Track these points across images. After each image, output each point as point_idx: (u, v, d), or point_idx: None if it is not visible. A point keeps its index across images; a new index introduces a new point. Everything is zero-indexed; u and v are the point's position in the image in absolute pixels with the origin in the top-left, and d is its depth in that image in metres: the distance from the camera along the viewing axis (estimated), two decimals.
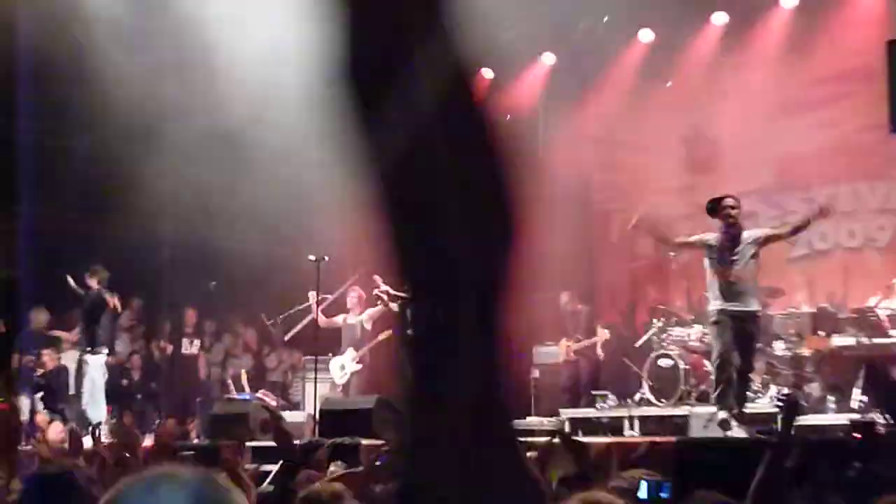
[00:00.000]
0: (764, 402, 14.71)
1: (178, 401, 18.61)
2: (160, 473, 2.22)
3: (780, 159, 18.79)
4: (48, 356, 17.53)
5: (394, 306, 14.78)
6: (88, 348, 17.18)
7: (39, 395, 17.26)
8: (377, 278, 14.98)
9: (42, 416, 17.08)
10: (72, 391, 17.40)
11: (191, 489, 2.15)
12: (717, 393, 12.83)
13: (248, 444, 13.61)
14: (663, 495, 6.09)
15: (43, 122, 16.55)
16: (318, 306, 16.72)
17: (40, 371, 17.46)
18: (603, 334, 17.64)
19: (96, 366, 17.27)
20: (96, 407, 17.09)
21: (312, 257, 16.03)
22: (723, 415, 12.63)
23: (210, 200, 16.60)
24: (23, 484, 4.44)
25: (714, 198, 13.30)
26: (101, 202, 17.89)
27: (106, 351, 17.39)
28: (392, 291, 14.73)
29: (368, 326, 17.08)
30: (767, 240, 13.22)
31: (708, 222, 13.50)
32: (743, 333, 12.81)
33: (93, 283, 16.96)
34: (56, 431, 16.33)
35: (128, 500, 2.14)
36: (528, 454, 6.19)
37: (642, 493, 6.12)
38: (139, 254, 17.84)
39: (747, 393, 13.31)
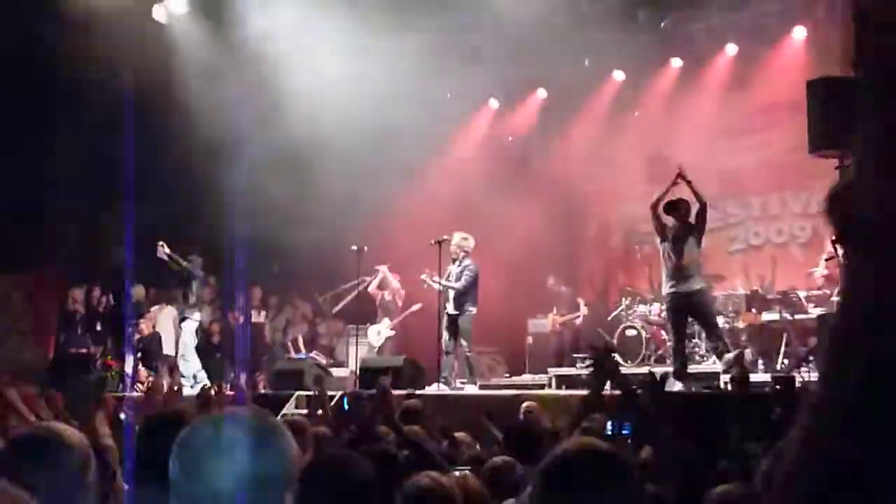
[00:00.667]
0: (707, 365, 14.81)
1: (248, 360, 18.70)
2: (225, 413, 2.32)
3: (722, 173, 18.80)
4: (144, 324, 17.65)
5: (435, 286, 14.81)
6: (183, 316, 17.44)
7: (139, 355, 17.39)
8: (428, 271, 15.04)
9: (143, 372, 17.24)
10: (165, 352, 17.55)
11: (249, 425, 2.20)
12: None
13: (301, 392, 13.77)
14: (625, 432, 6.18)
15: (143, 142, 16.69)
16: (367, 284, 16.88)
17: (138, 336, 17.59)
18: (583, 310, 17.79)
19: (189, 331, 17.50)
20: (186, 364, 17.30)
21: (354, 247, 16.13)
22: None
23: (275, 203, 16.68)
24: (143, 422, 4.44)
25: (671, 200, 13.39)
26: (188, 205, 18.02)
27: (197, 317, 17.60)
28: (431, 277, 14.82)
29: (400, 302, 17.24)
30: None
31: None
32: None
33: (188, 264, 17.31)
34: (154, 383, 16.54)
35: (200, 433, 2.20)
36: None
37: (608, 431, 6.22)
38: (217, 243, 17.93)
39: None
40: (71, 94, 17.14)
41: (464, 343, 14.43)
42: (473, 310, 14.50)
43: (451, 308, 14.59)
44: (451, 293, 14.55)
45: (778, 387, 8.80)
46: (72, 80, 16.90)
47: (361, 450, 4.79)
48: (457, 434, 7.84)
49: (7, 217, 16.90)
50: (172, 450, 2.21)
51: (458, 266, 14.60)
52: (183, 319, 17.52)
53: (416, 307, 16.97)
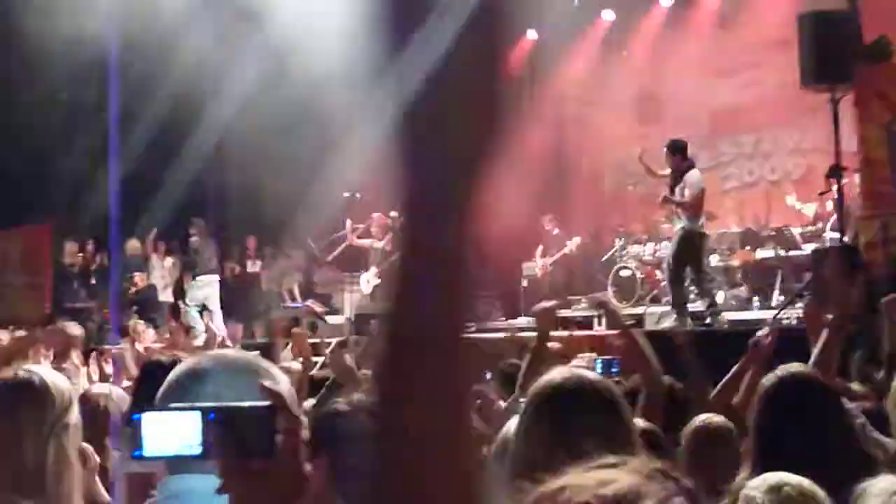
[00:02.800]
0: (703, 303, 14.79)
1: (245, 308, 18.70)
2: (212, 355, 2.34)
3: (713, 112, 18.76)
4: (139, 277, 17.61)
5: None
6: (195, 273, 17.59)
7: (134, 308, 17.35)
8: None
9: (141, 325, 17.23)
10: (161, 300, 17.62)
11: (236, 365, 2.20)
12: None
13: None
14: (614, 370, 6.14)
15: (129, 93, 16.53)
16: (352, 232, 16.79)
17: (134, 289, 17.55)
18: (574, 242, 17.54)
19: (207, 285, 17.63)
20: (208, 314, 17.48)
21: (347, 194, 16.01)
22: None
23: (267, 154, 16.57)
24: (143, 368, 4.48)
25: (680, 140, 13.32)
26: (177, 156, 17.92)
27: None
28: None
29: (388, 248, 17.17)
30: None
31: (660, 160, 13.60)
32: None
33: (193, 231, 17.36)
34: (150, 334, 16.54)
35: (190, 375, 2.19)
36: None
37: (597, 369, 6.17)
38: (212, 195, 17.90)
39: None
40: (54, 46, 16.93)
41: None
42: None
43: None
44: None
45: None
46: (55, 32, 16.70)
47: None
48: None
49: (2, 171, 16.81)
50: (162, 388, 2.22)
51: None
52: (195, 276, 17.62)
53: None
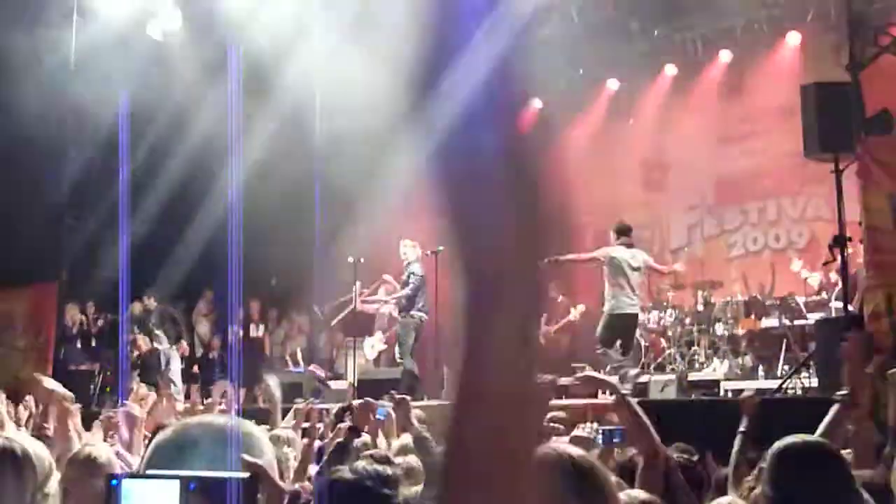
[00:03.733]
0: (707, 372, 14.75)
1: (248, 373, 18.62)
2: (197, 420, 2.29)
3: (718, 180, 18.82)
4: (142, 340, 17.57)
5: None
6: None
7: (137, 371, 17.32)
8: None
9: (142, 388, 17.17)
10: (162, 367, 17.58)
11: (219, 430, 2.17)
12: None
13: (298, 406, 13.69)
14: (616, 440, 6.08)
15: (138, 158, 16.63)
16: (360, 296, 16.75)
17: (136, 353, 17.51)
18: (578, 310, 17.50)
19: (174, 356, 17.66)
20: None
21: (351, 259, 15.99)
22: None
23: (271, 216, 16.61)
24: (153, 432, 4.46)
25: (626, 223, 14.13)
26: (184, 219, 18.00)
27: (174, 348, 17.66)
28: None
29: (396, 314, 17.12)
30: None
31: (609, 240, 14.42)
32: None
33: (150, 302, 17.54)
34: (152, 398, 16.55)
35: (173, 439, 2.17)
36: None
37: (600, 440, 6.12)
38: (215, 257, 17.82)
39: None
40: (67, 110, 17.08)
41: (397, 349, 14.48)
42: (419, 315, 14.53)
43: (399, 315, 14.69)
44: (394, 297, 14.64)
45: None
46: (68, 96, 16.85)
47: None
48: None
49: (5, 232, 16.82)
50: (145, 455, 2.20)
51: (405, 273, 14.63)
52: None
53: None
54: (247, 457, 1.81)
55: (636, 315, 14.17)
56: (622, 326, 13.84)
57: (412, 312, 14.52)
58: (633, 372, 13.47)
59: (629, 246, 14.10)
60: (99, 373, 17.62)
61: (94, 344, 18.05)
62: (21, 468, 2.83)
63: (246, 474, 1.80)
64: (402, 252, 14.73)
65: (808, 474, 3.33)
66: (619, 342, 13.73)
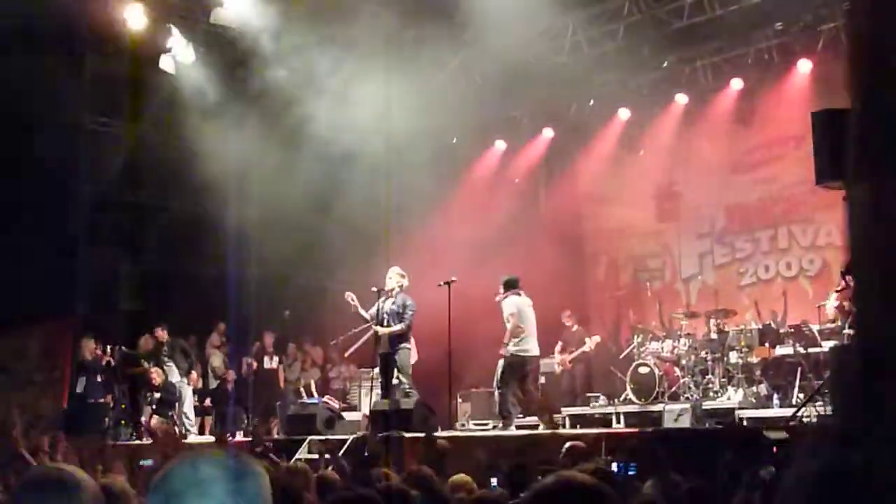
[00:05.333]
0: (722, 401, 14.69)
1: (262, 405, 18.61)
2: (202, 453, 2.30)
3: (729, 208, 18.82)
4: (155, 372, 17.58)
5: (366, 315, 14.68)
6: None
7: (153, 406, 17.36)
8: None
9: (155, 420, 17.20)
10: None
11: (224, 464, 2.21)
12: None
13: (314, 437, 13.67)
14: (631, 473, 6.08)
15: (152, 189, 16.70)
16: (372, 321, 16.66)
17: (150, 385, 17.54)
18: (593, 340, 17.48)
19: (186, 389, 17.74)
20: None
21: (375, 289, 15.72)
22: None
23: (285, 248, 16.65)
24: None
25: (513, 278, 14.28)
26: (198, 252, 18.03)
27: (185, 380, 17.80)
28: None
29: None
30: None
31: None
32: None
33: (162, 334, 17.67)
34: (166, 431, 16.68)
35: (178, 472, 2.20)
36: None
37: (616, 470, 6.11)
38: (226, 289, 17.92)
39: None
40: (83, 142, 17.18)
41: (403, 379, 14.35)
42: (408, 345, 14.46)
43: (384, 347, 14.47)
44: (387, 331, 14.42)
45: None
46: (82, 126, 16.97)
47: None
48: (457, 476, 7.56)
49: (22, 266, 16.88)
50: (149, 489, 2.23)
51: (395, 303, 14.44)
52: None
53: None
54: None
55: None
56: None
57: (406, 344, 14.43)
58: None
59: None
60: (113, 406, 17.62)
61: (108, 377, 18.04)
62: (72, 496, 2.85)
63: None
64: (393, 280, 14.53)
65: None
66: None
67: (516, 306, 14.16)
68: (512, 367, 13.99)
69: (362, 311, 14.49)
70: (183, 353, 18.06)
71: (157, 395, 17.44)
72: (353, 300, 14.47)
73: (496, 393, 14.12)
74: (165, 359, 17.85)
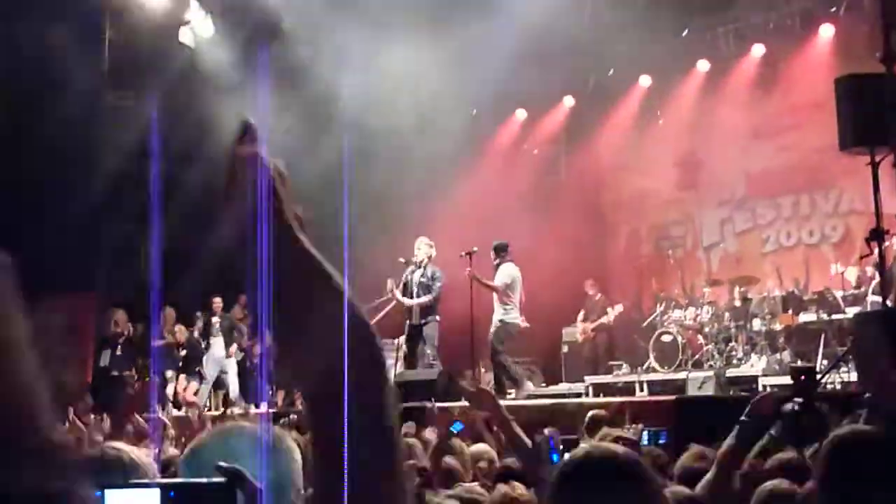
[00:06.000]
0: (745, 368, 14.66)
1: (287, 377, 18.68)
2: (231, 426, 2.34)
3: (750, 175, 18.72)
4: (179, 330, 17.76)
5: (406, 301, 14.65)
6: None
7: (179, 364, 17.66)
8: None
9: (181, 381, 17.48)
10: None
11: (253, 436, 2.24)
12: None
13: None
14: (661, 441, 6.05)
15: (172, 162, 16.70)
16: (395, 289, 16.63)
17: (175, 342, 17.76)
18: (616, 309, 17.45)
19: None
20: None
21: (402, 259, 15.71)
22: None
23: (308, 219, 16.65)
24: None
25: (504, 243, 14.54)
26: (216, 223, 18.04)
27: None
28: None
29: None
30: None
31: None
32: None
33: (219, 304, 18.10)
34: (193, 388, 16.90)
35: (208, 445, 2.24)
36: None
37: (644, 440, 6.09)
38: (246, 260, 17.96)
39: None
40: (101, 118, 17.20)
41: (429, 351, 14.37)
42: (436, 318, 14.48)
43: (415, 318, 14.48)
44: (416, 303, 14.45)
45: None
46: (102, 104, 16.97)
47: None
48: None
49: (44, 241, 16.94)
50: (180, 462, 2.29)
51: (424, 275, 14.44)
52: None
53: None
54: (223, 464, 1.84)
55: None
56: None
57: (436, 318, 14.44)
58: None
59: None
60: (137, 378, 17.74)
61: (130, 350, 18.16)
62: (130, 477, 2.86)
63: (223, 479, 1.83)
64: (422, 251, 14.53)
65: (865, 466, 3.24)
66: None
67: (511, 276, 14.23)
68: (509, 335, 14.16)
69: (400, 297, 14.49)
70: (230, 330, 18.20)
71: (183, 352, 17.68)
72: (393, 289, 14.52)
73: (495, 365, 14.26)
74: (216, 331, 18.04)
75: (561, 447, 5.68)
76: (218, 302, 18.02)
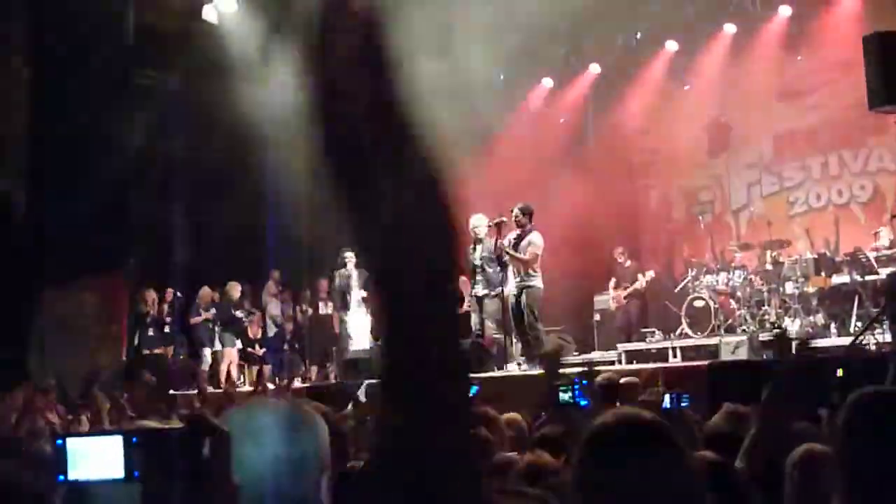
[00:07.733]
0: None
1: (318, 350, 18.77)
2: (256, 401, 2.36)
3: (778, 136, 18.60)
4: (207, 292, 18.09)
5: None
6: None
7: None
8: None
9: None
10: None
11: (279, 412, 2.25)
12: None
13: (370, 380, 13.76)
14: (684, 405, 6.02)
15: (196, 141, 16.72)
16: None
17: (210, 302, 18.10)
18: (647, 276, 17.41)
19: None
20: None
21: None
22: None
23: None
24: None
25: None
26: (251, 203, 18.15)
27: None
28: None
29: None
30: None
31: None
32: None
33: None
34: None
35: (234, 420, 2.21)
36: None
37: (666, 404, 6.06)
38: (280, 238, 18.03)
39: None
40: (127, 94, 17.23)
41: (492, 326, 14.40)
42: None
43: (513, 287, 14.43)
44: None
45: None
46: (128, 81, 17.02)
47: None
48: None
49: (76, 221, 17.04)
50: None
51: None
52: None
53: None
54: (184, 411, 1.86)
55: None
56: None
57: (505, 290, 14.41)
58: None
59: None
60: (172, 357, 17.88)
61: (167, 329, 18.29)
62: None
63: (187, 426, 1.85)
64: (482, 229, 14.46)
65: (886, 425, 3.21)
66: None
67: (541, 247, 14.16)
68: (538, 302, 14.06)
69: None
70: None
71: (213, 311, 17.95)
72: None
73: (531, 331, 14.12)
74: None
75: (585, 383, 5.68)
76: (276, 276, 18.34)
